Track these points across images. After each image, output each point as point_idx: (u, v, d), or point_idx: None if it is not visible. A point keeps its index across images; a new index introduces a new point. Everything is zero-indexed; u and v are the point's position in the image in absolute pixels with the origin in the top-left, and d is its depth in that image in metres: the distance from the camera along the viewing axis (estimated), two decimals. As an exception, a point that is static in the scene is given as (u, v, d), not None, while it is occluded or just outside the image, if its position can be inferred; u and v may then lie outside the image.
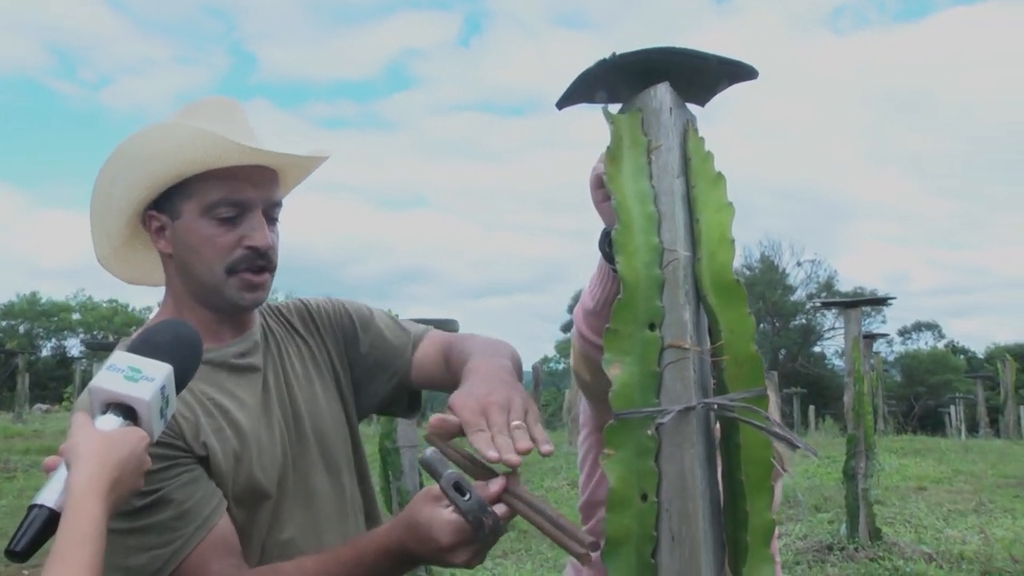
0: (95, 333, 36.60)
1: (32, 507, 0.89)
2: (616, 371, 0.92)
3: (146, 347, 1.03)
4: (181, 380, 1.05)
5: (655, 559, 0.90)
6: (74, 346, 37.85)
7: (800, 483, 8.28)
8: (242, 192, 1.26)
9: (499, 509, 1.01)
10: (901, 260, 69.44)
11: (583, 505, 1.75)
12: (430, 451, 1.04)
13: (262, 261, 1.27)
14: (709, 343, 0.95)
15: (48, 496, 0.90)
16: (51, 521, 0.88)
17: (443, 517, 1.02)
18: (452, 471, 1.02)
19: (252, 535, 1.26)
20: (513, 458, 0.98)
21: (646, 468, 0.91)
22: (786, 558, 6.17)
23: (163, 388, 0.99)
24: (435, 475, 1.03)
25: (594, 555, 1.69)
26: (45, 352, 37.87)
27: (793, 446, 0.91)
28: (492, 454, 0.98)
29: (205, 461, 1.21)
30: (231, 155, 1.23)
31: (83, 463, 0.90)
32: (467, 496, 1.00)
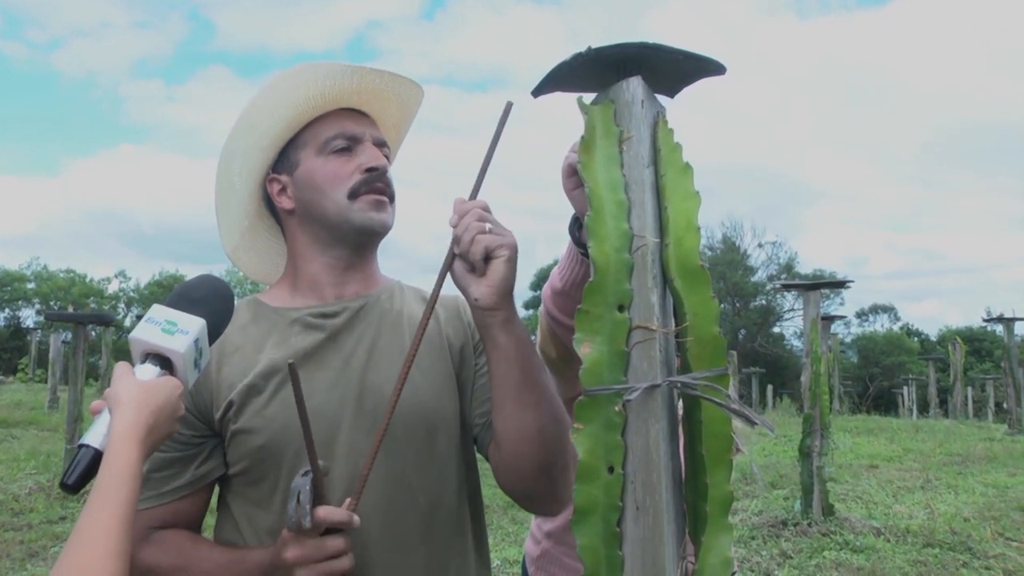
0: (51, 303, 35.79)
1: (80, 446, 0.96)
2: (586, 350, 0.96)
3: (182, 301, 1.08)
4: (215, 332, 1.10)
5: (620, 527, 0.96)
6: (29, 316, 37.06)
7: (757, 461, 8.48)
8: (351, 127, 1.33)
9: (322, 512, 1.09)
10: (860, 243, 70.65)
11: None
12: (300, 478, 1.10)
13: (381, 183, 1.31)
14: (674, 324, 1.00)
15: (93, 437, 0.96)
16: (96, 459, 0.95)
17: None
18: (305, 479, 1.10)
19: (272, 499, 1.23)
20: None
21: (613, 442, 0.96)
22: (741, 533, 6.34)
23: (196, 341, 1.05)
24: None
25: (546, 544, 1.75)
26: (-3, 322, 37.02)
27: (751, 422, 0.97)
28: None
29: (208, 411, 1.24)
30: (339, 78, 1.30)
31: (123, 409, 0.96)
32: (306, 473, 1.09)
